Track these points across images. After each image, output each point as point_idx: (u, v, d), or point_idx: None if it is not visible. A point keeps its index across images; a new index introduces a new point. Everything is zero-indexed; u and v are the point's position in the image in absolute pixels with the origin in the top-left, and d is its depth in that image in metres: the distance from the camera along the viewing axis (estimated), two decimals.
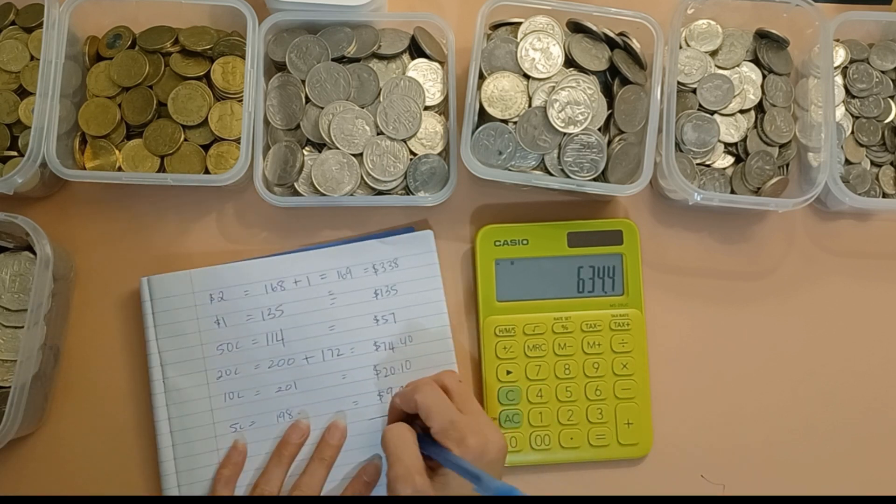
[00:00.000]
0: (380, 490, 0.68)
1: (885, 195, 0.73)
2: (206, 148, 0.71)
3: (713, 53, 0.73)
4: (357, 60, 0.71)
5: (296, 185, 0.70)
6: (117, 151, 0.70)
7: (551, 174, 0.69)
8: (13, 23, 0.71)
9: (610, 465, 0.71)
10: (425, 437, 0.62)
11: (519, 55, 0.69)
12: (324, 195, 0.69)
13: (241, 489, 0.67)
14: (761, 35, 0.74)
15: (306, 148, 0.71)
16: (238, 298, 0.70)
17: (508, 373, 0.70)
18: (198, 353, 0.69)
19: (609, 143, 0.69)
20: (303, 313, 0.70)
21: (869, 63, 0.74)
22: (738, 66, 0.73)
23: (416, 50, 0.72)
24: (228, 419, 0.69)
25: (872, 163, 0.74)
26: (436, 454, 0.60)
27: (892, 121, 0.74)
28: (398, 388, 0.69)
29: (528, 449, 0.69)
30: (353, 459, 0.69)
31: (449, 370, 0.69)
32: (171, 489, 0.67)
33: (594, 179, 0.68)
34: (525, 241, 0.71)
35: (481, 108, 0.69)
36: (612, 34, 0.70)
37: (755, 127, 0.73)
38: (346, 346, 0.70)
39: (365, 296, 0.70)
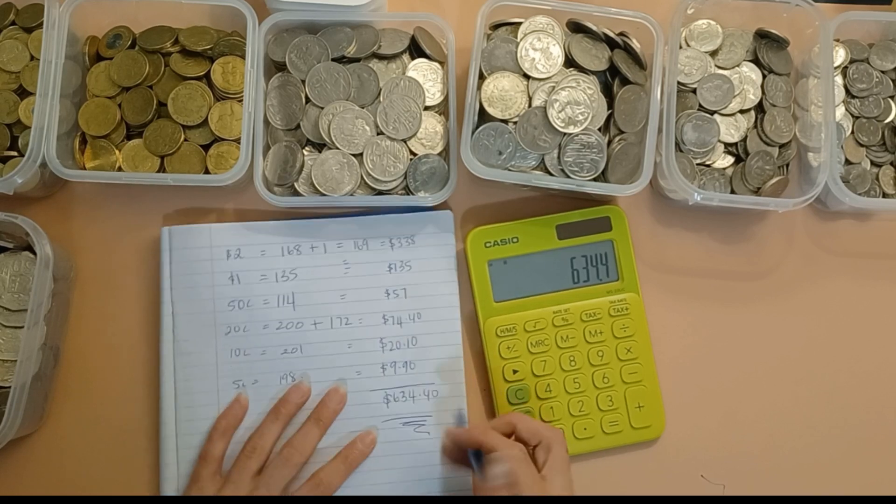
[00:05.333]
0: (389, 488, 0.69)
1: (885, 195, 0.73)
2: (206, 148, 0.71)
3: (713, 53, 0.73)
4: (357, 60, 0.71)
5: (296, 185, 0.70)
6: (117, 151, 0.70)
7: (551, 174, 0.69)
8: (13, 23, 0.72)
9: (625, 451, 0.71)
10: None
11: (519, 55, 0.69)
12: (324, 195, 0.69)
13: (236, 444, 0.68)
14: (761, 35, 0.74)
15: (306, 148, 0.71)
16: (254, 257, 0.70)
17: (515, 372, 0.70)
18: (209, 306, 0.70)
19: (609, 143, 0.69)
20: (316, 279, 0.71)
21: (869, 63, 0.74)
22: (738, 66, 0.73)
23: (416, 50, 0.72)
24: (232, 375, 0.69)
25: (872, 163, 0.74)
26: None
27: (892, 121, 0.74)
28: (402, 365, 0.70)
29: None
30: (349, 428, 0.69)
31: (559, 433, 0.63)
32: (169, 436, 0.68)
33: (594, 179, 0.68)
34: (515, 239, 0.71)
35: (481, 108, 0.69)
36: (612, 34, 0.70)
37: (755, 127, 0.73)
38: (354, 317, 0.70)
39: (379, 268, 0.71)
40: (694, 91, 0.72)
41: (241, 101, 0.70)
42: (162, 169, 0.70)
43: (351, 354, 0.70)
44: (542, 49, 0.69)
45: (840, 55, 0.74)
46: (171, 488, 0.68)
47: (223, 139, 0.70)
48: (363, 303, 0.71)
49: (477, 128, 0.69)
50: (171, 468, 0.68)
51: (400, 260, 0.71)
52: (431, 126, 0.71)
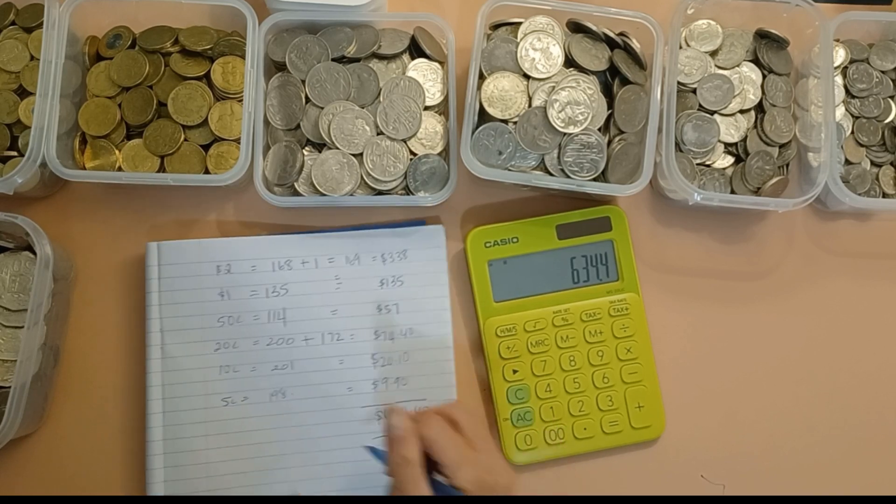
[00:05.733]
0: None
1: (885, 195, 0.73)
2: (206, 148, 0.71)
3: (713, 53, 0.73)
4: (357, 60, 0.71)
5: (296, 185, 0.70)
6: (117, 151, 0.70)
7: (551, 174, 0.69)
8: (13, 23, 0.72)
9: (625, 451, 0.71)
10: (435, 477, 0.59)
11: (519, 55, 0.69)
12: (324, 195, 0.69)
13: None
14: (761, 35, 0.74)
15: (306, 148, 0.71)
16: (244, 273, 0.70)
17: (514, 372, 0.70)
18: (198, 322, 0.69)
19: (609, 143, 0.69)
20: (307, 294, 0.70)
21: (869, 63, 0.74)
22: (738, 66, 0.73)
23: (416, 50, 0.72)
24: (221, 392, 0.68)
25: (872, 163, 0.74)
26: (439, 490, 0.57)
27: (892, 121, 0.74)
28: (394, 381, 0.69)
29: (543, 445, 0.70)
30: (340, 445, 0.68)
31: (457, 402, 0.65)
32: (157, 455, 0.67)
33: (594, 179, 0.68)
34: (515, 239, 0.71)
35: (481, 108, 0.69)
36: (612, 34, 0.70)
37: (755, 127, 0.73)
38: (346, 332, 0.70)
39: (370, 284, 0.71)
40: (694, 91, 0.72)
41: (241, 101, 0.70)
42: (162, 169, 0.70)
43: (342, 370, 0.70)
44: (542, 49, 0.69)
45: (840, 55, 0.74)
46: None
47: (223, 139, 0.70)
48: (355, 318, 0.70)
49: (477, 128, 0.69)
50: (158, 487, 0.67)
51: (392, 275, 0.71)
52: (431, 126, 0.71)
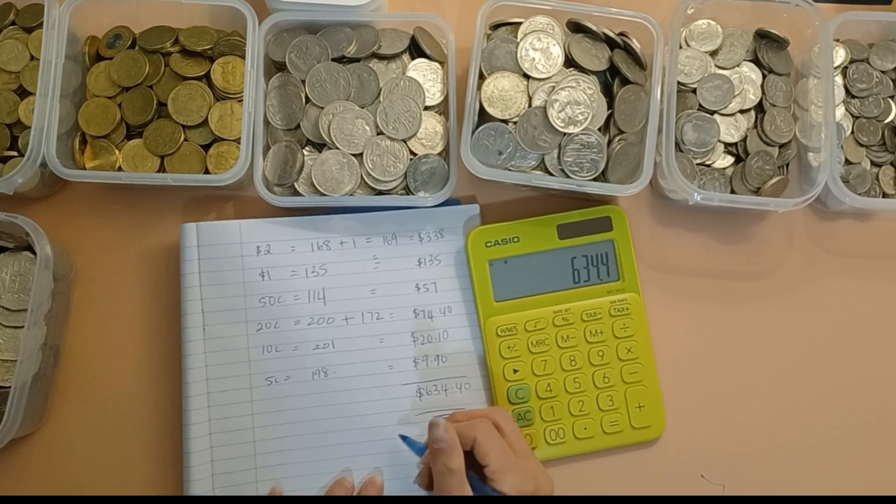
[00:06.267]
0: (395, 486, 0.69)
1: (885, 195, 0.73)
2: (206, 148, 0.71)
3: (713, 53, 0.73)
4: (357, 60, 0.72)
5: (296, 185, 0.70)
6: (117, 151, 0.70)
7: (551, 174, 0.69)
8: (13, 23, 0.72)
9: (625, 451, 0.71)
10: (469, 474, 0.60)
11: (519, 55, 0.69)
12: (324, 195, 0.69)
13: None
14: (761, 35, 0.74)
15: (306, 148, 0.71)
16: (284, 253, 0.70)
17: (515, 371, 0.70)
18: (240, 303, 0.69)
19: (609, 143, 0.69)
20: (346, 274, 0.71)
21: (869, 63, 0.74)
22: (738, 66, 0.73)
23: (416, 50, 0.72)
24: (264, 371, 0.69)
25: (872, 163, 0.74)
26: (480, 492, 0.59)
27: (892, 121, 0.74)
28: (434, 358, 0.70)
29: (543, 445, 0.70)
30: (382, 422, 0.69)
31: (500, 408, 0.67)
32: (201, 437, 0.67)
33: (594, 179, 0.68)
34: (516, 239, 0.71)
35: (481, 108, 0.69)
36: (612, 34, 0.70)
37: (755, 127, 0.73)
38: (385, 311, 0.71)
39: (408, 263, 0.71)
40: (694, 91, 0.72)
41: (241, 101, 0.70)
42: (162, 169, 0.70)
43: (382, 349, 0.70)
44: (542, 49, 0.69)
45: (840, 55, 0.74)
46: (203, 488, 0.66)
47: (223, 139, 0.70)
48: (394, 297, 0.71)
49: (477, 128, 0.69)
50: (204, 468, 0.67)
51: (429, 254, 0.71)
52: (431, 126, 0.71)
